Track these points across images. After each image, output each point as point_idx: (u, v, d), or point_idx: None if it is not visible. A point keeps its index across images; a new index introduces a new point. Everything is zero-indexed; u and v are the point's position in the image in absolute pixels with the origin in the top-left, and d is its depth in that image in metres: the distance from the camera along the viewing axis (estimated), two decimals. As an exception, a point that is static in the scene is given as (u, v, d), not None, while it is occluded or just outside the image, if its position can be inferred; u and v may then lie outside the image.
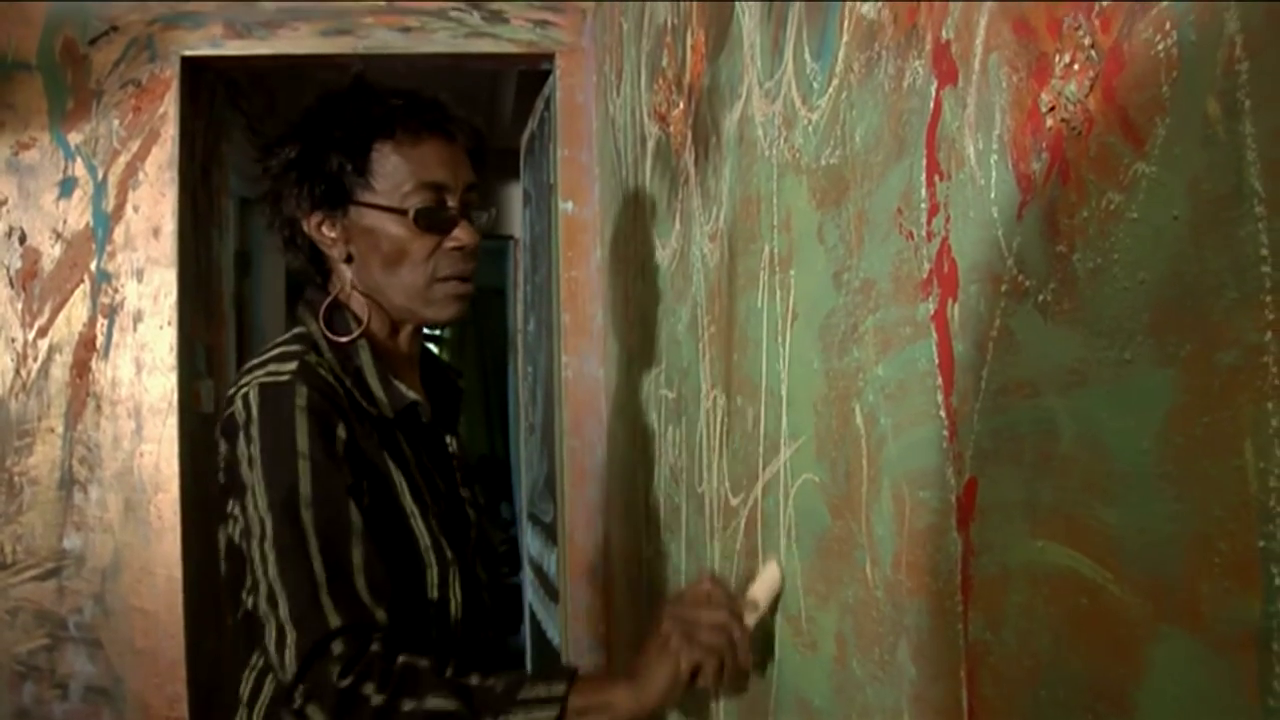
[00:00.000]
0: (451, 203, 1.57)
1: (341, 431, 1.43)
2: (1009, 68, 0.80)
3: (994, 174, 0.83)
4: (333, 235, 1.58)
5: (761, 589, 1.39)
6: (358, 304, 1.60)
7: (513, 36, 3.10)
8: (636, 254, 2.35)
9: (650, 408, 2.23)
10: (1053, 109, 0.74)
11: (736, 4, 1.53)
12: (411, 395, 1.57)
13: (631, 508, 2.54)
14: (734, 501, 1.58)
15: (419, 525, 1.51)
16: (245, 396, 1.44)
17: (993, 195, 0.83)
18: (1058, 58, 0.74)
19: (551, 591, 3.51)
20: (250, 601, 1.38)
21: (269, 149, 1.61)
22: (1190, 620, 0.62)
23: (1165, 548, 0.64)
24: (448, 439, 1.72)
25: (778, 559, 1.37)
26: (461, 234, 1.57)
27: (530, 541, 4.16)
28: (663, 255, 2.05)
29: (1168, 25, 0.62)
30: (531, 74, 3.38)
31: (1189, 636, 0.62)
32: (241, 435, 1.42)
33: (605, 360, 3.03)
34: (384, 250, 1.56)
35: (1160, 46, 0.63)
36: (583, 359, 3.13)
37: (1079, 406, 0.72)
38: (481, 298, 7.92)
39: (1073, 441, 0.73)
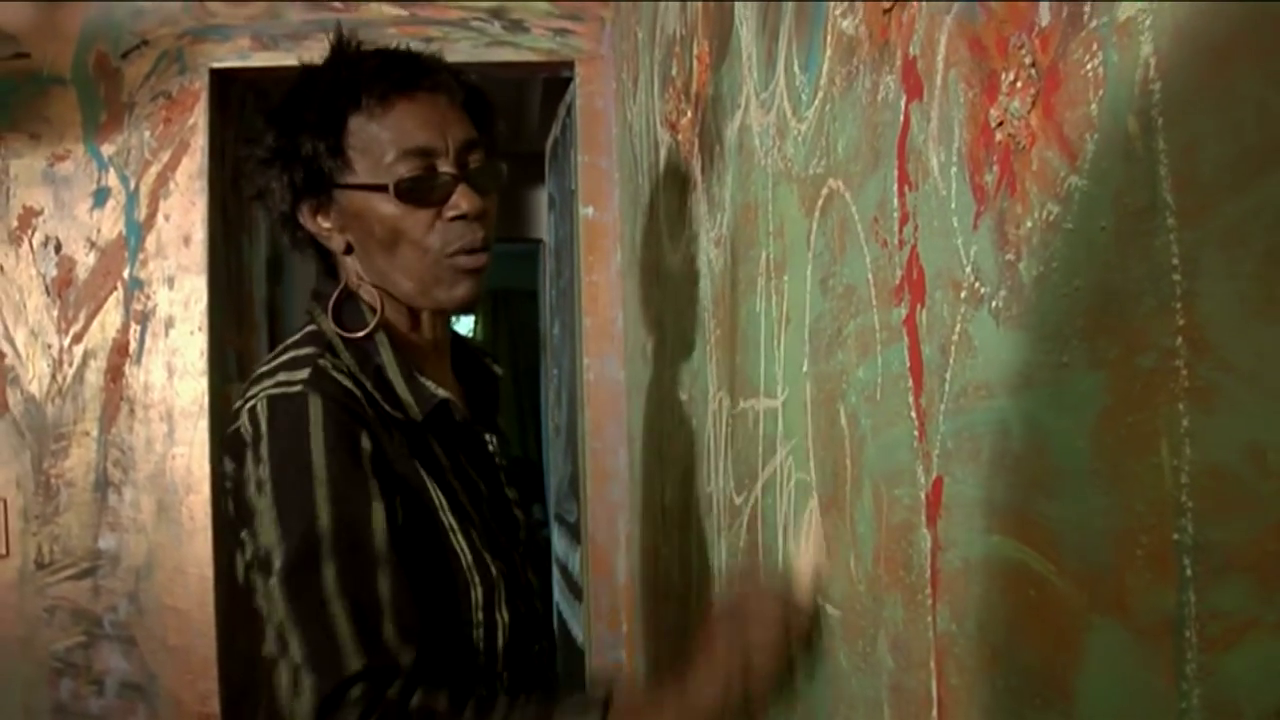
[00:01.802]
0: (444, 167, 1.40)
1: (366, 443, 1.29)
2: (965, 84, 0.84)
3: (954, 185, 0.86)
4: (327, 225, 1.45)
5: (808, 553, 1.23)
6: (369, 294, 1.45)
7: (533, 45, 3.15)
8: (652, 258, 2.40)
9: (665, 409, 2.27)
10: (1001, 124, 0.78)
11: (736, 16, 1.57)
12: (441, 393, 1.42)
13: (649, 507, 2.58)
14: (737, 500, 1.62)
15: (460, 542, 1.36)
16: (253, 410, 1.30)
17: (953, 205, 0.86)
18: (1004, 75, 0.77)
19: (575, 590, 3.56)
20: (262, 641, 1.24)
21: (249, 140, 1.49)
22: (1118, 610, 0.65)
23: (1098, 541, 0.67)
24: (487, 437, 1.58)
25: (813, 507, 1.19)
26: (461, 200, 1.40)
27: (556, 541, 4.21)
28: (675, 260, 2.09)
29: (1095, 46, 0.66)
30: (556, 79, 3.43)
31: (1118, 625, 0.65)
32: (250, 454, 1.28)
33: (626, 363, 3.07)
34: (377, 234, 1.40)
35: (1089, 67, 0.67)
36: (604, 362, 3.17)
37: (1026, 407, 0.76)
38: (513, 299, 8.02)
39: (1021, 441, 0.77)
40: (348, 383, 1.34)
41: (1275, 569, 0.52)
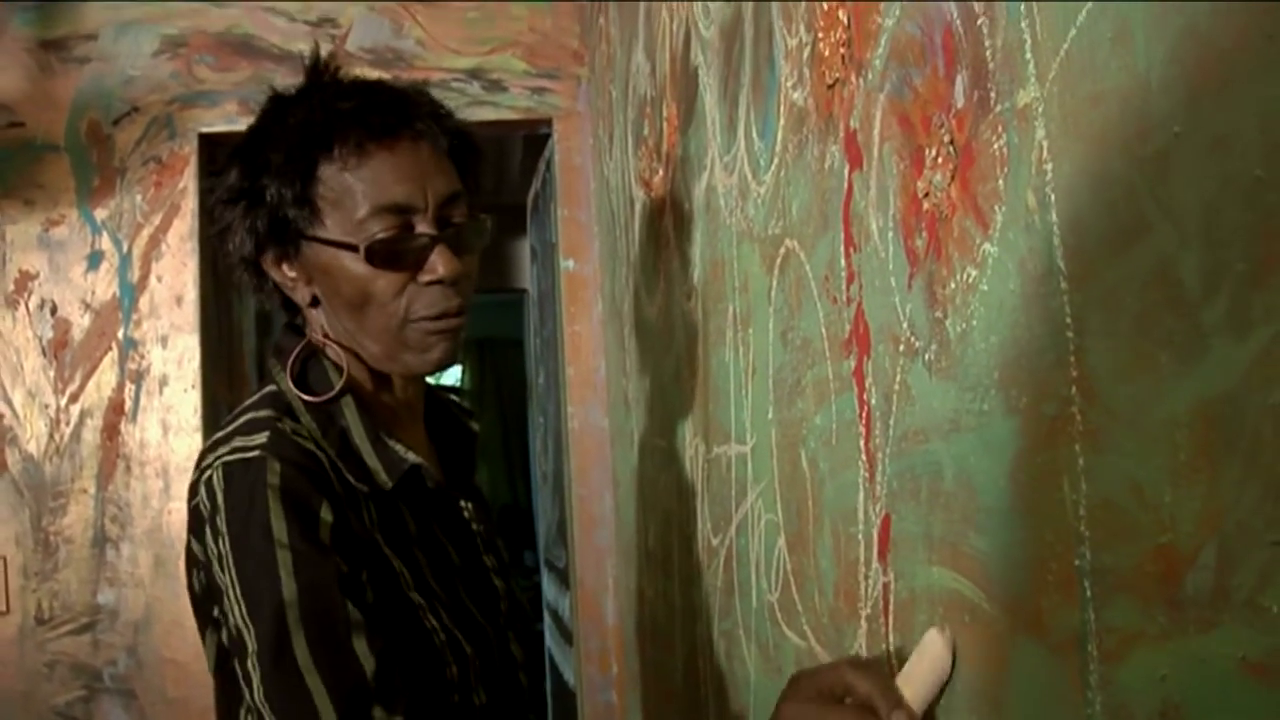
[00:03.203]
0: (422, 227, 1.27)
1: (326, 514, 1.17)
2: (897, 156, 0.93)
3: (891, 248, 0.95)
4: (292, 275, 1.32)
5: (922, 674, 0.87)
6: (335, 352, 1.32)
7: (512, 104, 3.25)
8: (630, 310, 2.48)
9: (646, 455, 2.34)
10: (927, 195, 0.86)
11: (700, 82, 1.66)
12: (411, 458, 1.30)
13: (634, 551, 2.65)
14: (715, 541, 1.69)
15: (430, 621, 1.26)
16: (209, 482, 1.19)
17: (891, 266, 0.95)
18: (928, 151, 0.86)
19: (566, 634, 3.61)
20: None
21: (214, 175, 1.35)
22: (1036, 629, 0.73)
23: (1018, 569, 0.75)
24: (463, 503, 1.45)
25: (941, 628, 0.87)
26: (438, 264, 1.27)
27: (546, 586, 4.26)
28: (651, 312, 2.17)
29: (1000, 128, 0.75)
30: (536, 135, 3.52)
31: (1035, 643, 0.73)
32: (208, 530, 1.18)
33: (609, 410, 3.14)
34: (344, 293, 1.28)
35: (996, 146, 0.75)
36: (588, 410, 3.25)
37: (956, 450, 0.84)
38: (500, 348, 8.09)
39: (953, 481, 0.85)
40: (310, 446, 1.23)
41: (1154, 589, 0.60)
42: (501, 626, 1.39)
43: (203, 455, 1.24)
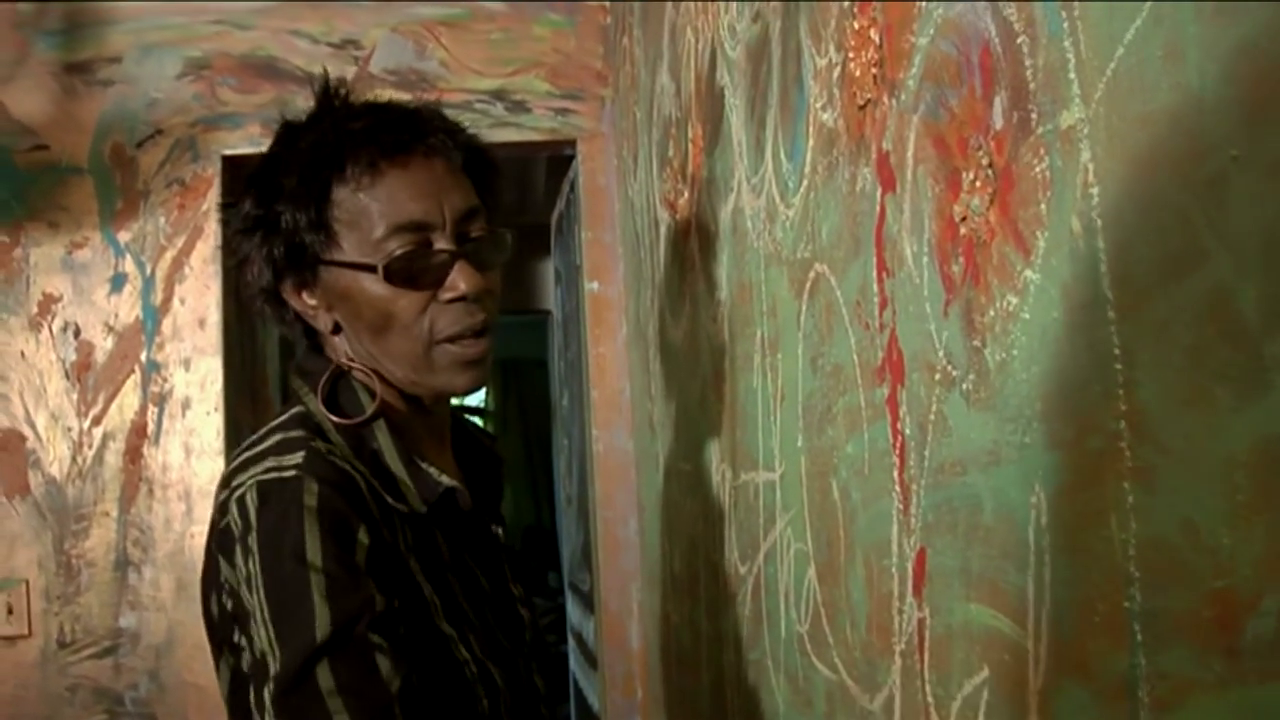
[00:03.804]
0: (441, 243, 1.25)
1: (364, 537, 1.14)
2: (932, 180, 0.90)
3: (926, 274, 0.92)
4: (312, 303, 1.30)
5: None
6: (362, 375, 1.30)
7: (535, 125, 3.23)
8: (655, 333, 2.45)
9: (672, 480, 2.32)
10: (964, 219, 0.84)
11: (726, 103, 1.64)
12: (445, 480, 1.28)
13: (659, 576, 2.62)
14: (742, 569, 1.66)
15: (462, 652, 1.22)
16: (241, 500, 1.15)
17: (926, 293, 0.92)
18: (965, 174, 0.83)
19: (590, 659, 3.58)
20: None
21: (228, 204, 1.34)
22: (1082, 673, 0.70)
23: (1062, 609, 0.72)
24: (495, 529, 1.43)
25: None
26: (459, 280, 1.25)
27: (571, 610, 4.24)
28: (676, 335, 2.15)
29: (1042, 151, 0.72)
30: (560, 155, 3.50)
31: (1081, 687, 0.70)
32: (239, 549, 1.13)
33: (634, 434, 3.12)
34: (366, 316, 1.26)
35: (1038, 169, 0.73)
36: (613, 433, 3.22)
37: (996, 483, 0.81)
38: (524, 369, 8.08)
39: (992, 515, 0.82)
40: (345, 466, 1.20)
41: (1211, 635, 0.57)
42: (527, 656, 1.36)
43: (232, 474, 1.20)
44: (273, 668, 1.09)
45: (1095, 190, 0.66)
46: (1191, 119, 0.57)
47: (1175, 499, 0.60)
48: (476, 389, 1.34)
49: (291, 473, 1.15)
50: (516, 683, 1.29)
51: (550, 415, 5.95)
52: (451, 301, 1.25)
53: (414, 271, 1.24)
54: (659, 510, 2.56)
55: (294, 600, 1.10)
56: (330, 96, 1.32)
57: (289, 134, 1.31)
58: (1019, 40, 0.74)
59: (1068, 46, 0.68)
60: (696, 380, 1.96)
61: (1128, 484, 0.64)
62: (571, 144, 3.29)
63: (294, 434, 1.21)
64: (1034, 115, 0.73)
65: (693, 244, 1.93)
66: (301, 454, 1.17)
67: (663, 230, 2.26)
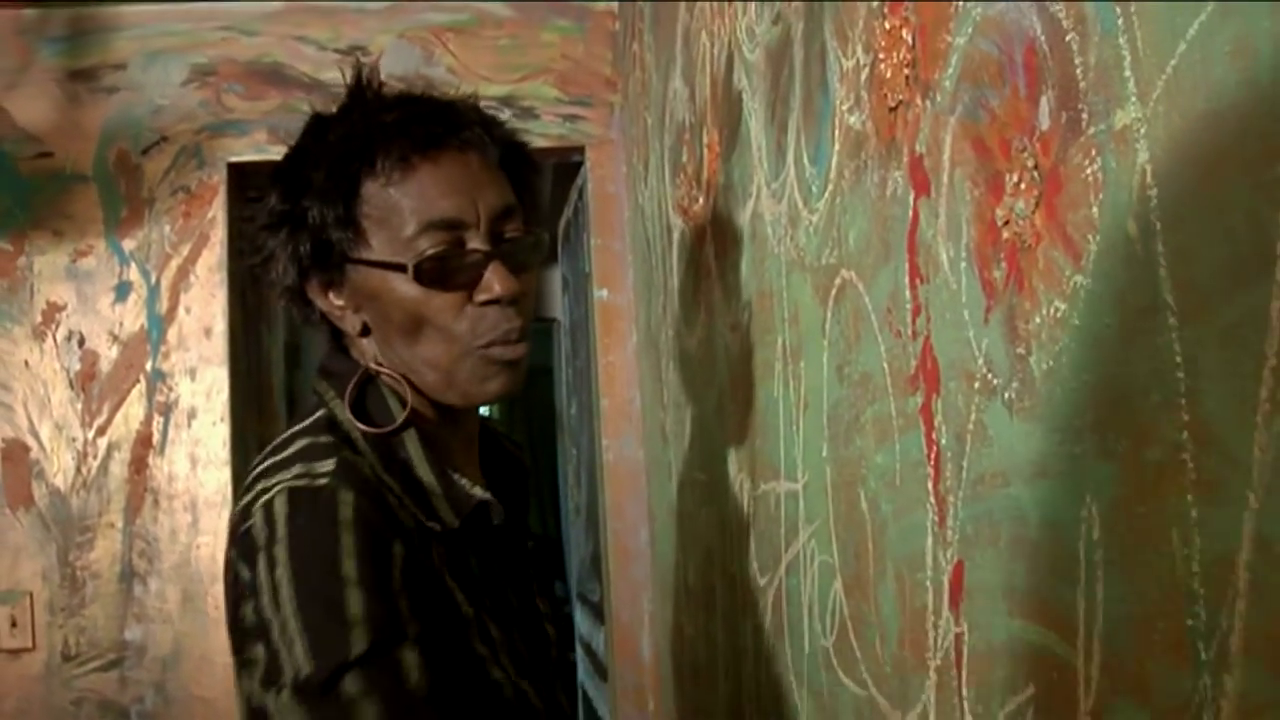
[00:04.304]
0: (475, 243, 1.19)
1: (399, 549, 1.09)
2: (971, 183, 0.87)
3: (964, 280, 0.89)
4: (339, 303, 1.24)
5: None
6: (392, 380, 1.24)
7: (544, 131, 3.21)
8: (668, 341, 2.43)
9: (685, 490, 2.29)
10: (1007, 223, 0.81)
11: (744, 107, 1.61)
12: (478, 493, 1.23)
13: (672, 587, 2.60)
14: (761, 581, 1.64)
15: (496, 672, 1.17)
16: (268, 506, 1.09)
17: (964, 299, 0.89)
18: (1008, 177, 0.81)
19: (600, 670, 3.55)
20: None
21: (253, 199, 1.27)
22: (1139, 693, 0.67)
23: (1117, 626, 0.70)
24: (529, 543, 1.38)
25: None
26: (494, 281, 1.19)
27: (580, 620, 4.21)
28: (691, 343, 2.12)
29: (1093, 152, 0.69)
30: (567, 162, 3.48)
31: (1139, 708, 0.67)
32: (263, 558, 1.06)
33: (644, 443, 3.09)
34: (396, 318, 1.20)
35: (1088, 171, 0.70)
36: (623, 442, 3.19)
37: (1042, 496, 0.79)
38: (529, 376, 8.03)
39: (1039, 528, 0.79)
40: (375, 480, 1.15)
41: (1286, 655, 0.54)
42: (553, 674, 1.31)
43: (257, 478, 1.15)
44: (299, 675, 1.02)
45: (1154, 192, 0.64)
46: (1263, 116, 0.54)
47: (1246, 513, 0.57)
48: (512, 394, 1.27)
49: (324, 480, 1.10)
50: (549, 701, 1.25)
51: (555, 424, 5.91)
52: (486, 304, 1.20)
53: (446, 271, 1.18)
54: (672, 520, 2.53)
55: (327, 616, 1.04)
56: (362, 87, 1.26)
57: (318, 126, 1.25)
58: (1068, 38, 0.72)
59: (1123, 43, 0.66)
60: (713, 389, 1.93)
61: (1191, 497, 0.61)
62: (580, 150, 3.27)
63: (323, 440, 1.16)
64: (1085, 115, 0.70)
65: (708, 250, 1.91)
66: (333, 461, 1.12)
67: (676, 237, 2.24)
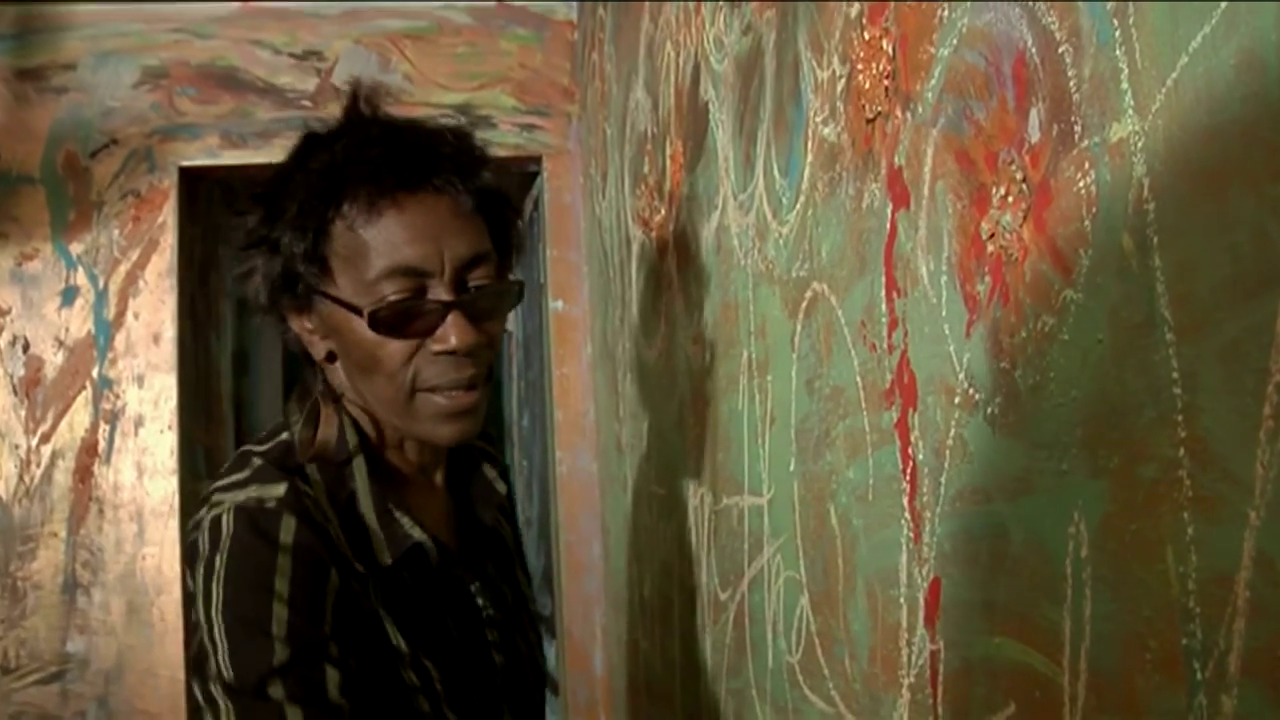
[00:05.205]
0: (437, 291, 1.19)
1: (334, 578, 1.14)
2: (954, 195, 0.87)
3: (944, 294, 0.88)
4: (309, 328, 1.26)
5: None
6: (353, 410, 1.28)
7: (500, 140, 3.19)
8: (625, 353, 2.41)
9: (642, 503, 2.27)
10: (992, 236, 0.80)
11: (711, 118, 1.60)
12: (415, 534, 1.24)
13: (627, 602, 2.58)
14: (723, 596, 1.62)
15: (424, 705, 1.21)
16: (216, 521, 1.15)
17: (944, 313, 0.89)
18: (995, 189, 0.80)
19: (552, 685, 3.52)
20: None
21: (239, 212, 1.27)
22: (1128, 712, 0.66)
23: (1104, 644, 0.69)
24: (472, 587, 1.35)
25: None
26: (450, 333, 1.18)
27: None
28: (650, 355, 2.11)
29: (1086, 165, 0.69)
30: (523, 173, 3.47)
31: (1128, 728, 0.67)
32: (202, 567, 1.13)
33: (599, 456, 3.07)
34: (354, 355, 1.22)
35: (1081, 184, 0.69)
36: (576, 454, 3.18)
37: (1025, 513, 0.78)
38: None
39: (1021, 545, 0.78)
40: (320, 510, 1.19)
41: (1287, 676, 0.54)
42: (497, 703, 1.33)
43: (213, 493, 1.19)
44: (226, 678, 1.09)
45: (1151, 206, 0.63)
46: (1268, 131, 0.54)
47: (1245, 531, 0.56)
48: (464, 440, 1.27)
49: (272, 504, 1.15)
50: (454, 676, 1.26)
51: (504, 436, 5.85)
52: (440, 354, 1.20)
53: (404, 319, 1.19)
54: (626, 534, 2.51)
55: (252, 627, 1.10)
56: (358, 112, 1.27)
57: (305, 147, 1.26)
58: (1060, 49, 0.71)
59: (1120, 55, 0.65)
60: (673, 402, 1.92)
61: (1187, 514, 0.60)
62: (537, 160, 3.26)
63: (277, 464, 1.21)
64: (1078, 128, 0.70)
65: (670, 262, 1.90)
66: (284, 487, 1.17)
67: (635, 249, 2.22)
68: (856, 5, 1.05)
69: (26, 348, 3.05)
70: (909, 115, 0.95)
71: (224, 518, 1.14)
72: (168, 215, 3.11)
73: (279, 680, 1.08)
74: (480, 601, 1.35)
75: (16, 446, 3.02)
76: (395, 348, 1.19)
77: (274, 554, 1.12)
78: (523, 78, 3.23)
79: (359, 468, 1.25)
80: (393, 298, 1.17)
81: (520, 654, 1.39)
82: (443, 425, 1.23)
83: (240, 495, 1.16)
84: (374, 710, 1.15)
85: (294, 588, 1.11)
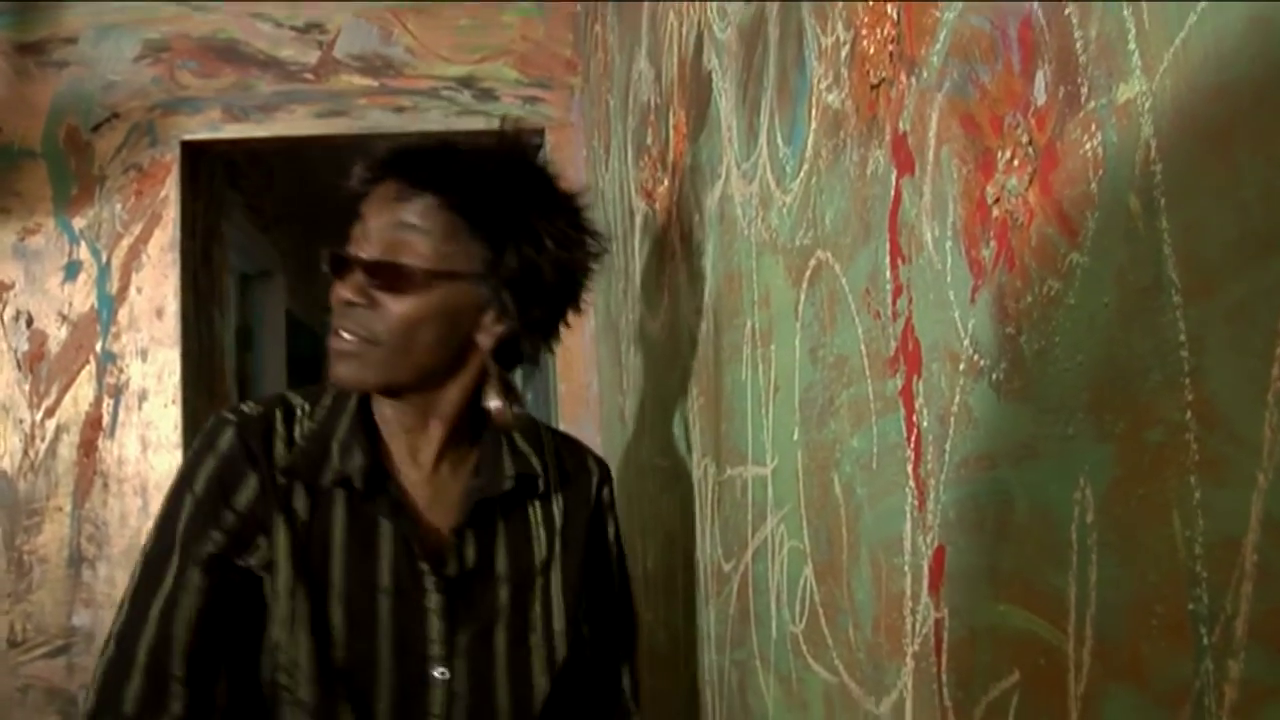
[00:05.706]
0: (359, 249, 1.36)
1: (250, 490, 1.32)
2: (959, 160, 0.86)
3: (949, 259, 0.88)
4: None
5: None
6: None
7: (503, 113, 3.18)
8: (629, 325, 2.41)
9: (645, 475, 2.27)
10: (997, 200, 0.80)
11: (714, 87, 1.59)
12: (347, 468, 1.36)
13: (630, 573, 2.58)
14: (726, 567, 1.62)
15: (283, 635, 1.31)
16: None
17: (949, 279, 0.88)
18: (1000, 153, 0.79)
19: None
20: None
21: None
22: (1135, 678, 0.66)
23: (1111, 611, 0.68)
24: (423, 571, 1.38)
25: None
26: (338, 285, 1.36)
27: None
28: (654, 326, 2.11)
29: (1093, 127, 0.68)
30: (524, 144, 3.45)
31: (1135, 693, 0.66)
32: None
33: (602, 428, 3.07)
34: None
35: (1088, 146, 0.69)
36: (580, 426, 3.17)
37: (1031, 479, 0.77)
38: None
39: (1026, 512, 0.78)
40: (284, 426, 1.38)
41: (1295, 639, 0.53)
42: (422, 662, 1.37)
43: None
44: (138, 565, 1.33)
45: (1158, 167, 0.62)
46: (1277, 91, 0.53)
47: (1254, 495, 0.56)
48: (344, 384, 1.38)
49: (231, 415, 1.37)
50: (374, 676, 1.34)
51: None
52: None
53: (327, 266, 1.37)
54: (631, 505, 2.51)
55: (166, 515, 1.33)
56: (503, 150, 1.55)
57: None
58: (1067, 11, 0.70)
59: (1127, 16, 0.64)
60: (675, 373, 1.91)
61: (1194, 478, 0.60)
62: (540, 133, 3.25)
63: (284, 392, 1.45)
64: (1084, 89, 0.69)
65: (673, 233, 1.89)
66: (261, 406, 1.39)
67: (639, 220, 2.22)
68: (861, -30, 1.04)
69: (30, 322, 3.05)
70: (914, 80, 0.94)
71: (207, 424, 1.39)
72: (170, 189, 3.11)
73: (149, 570, 1.31)
74: (436, 599, 1.38)
75: (21, 421, 3.03)
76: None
77: (204, 454, 1.34)
78: (525, 50, 3.22)
79: (349, 409, 1.41)
80: (335, 249, 1.38)
81: (486, 687, 1.40)
82: (332, 365, 1.37)
83: (229, 406, 1.42)
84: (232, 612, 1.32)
85: (209, 485, 1.32)
